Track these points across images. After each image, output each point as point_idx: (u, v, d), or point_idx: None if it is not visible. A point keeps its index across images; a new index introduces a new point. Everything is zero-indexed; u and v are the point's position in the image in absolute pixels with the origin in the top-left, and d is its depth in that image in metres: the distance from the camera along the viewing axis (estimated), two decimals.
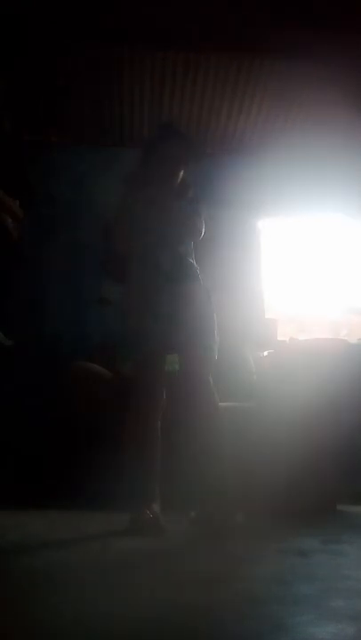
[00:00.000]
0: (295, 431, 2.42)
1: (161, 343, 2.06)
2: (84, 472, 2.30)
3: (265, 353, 3.24)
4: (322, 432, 2.47)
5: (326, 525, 2.15)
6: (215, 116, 3.61)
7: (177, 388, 2.09)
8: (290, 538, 1.86)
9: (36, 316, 3.50)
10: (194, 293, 2.11)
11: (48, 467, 2.50)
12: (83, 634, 1.00)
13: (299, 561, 1.56)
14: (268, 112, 3.59)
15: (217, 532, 1.85)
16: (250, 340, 3.33)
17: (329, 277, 4.15)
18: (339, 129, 3.46)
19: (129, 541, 1.78)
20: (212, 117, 3.63)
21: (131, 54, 3.14)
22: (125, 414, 2.07)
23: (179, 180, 2.22)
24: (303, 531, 2.01)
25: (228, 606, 1.15)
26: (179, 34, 2.94)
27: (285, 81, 3.31)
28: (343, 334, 3.74)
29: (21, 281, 3.50)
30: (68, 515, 2.17)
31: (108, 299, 3.49)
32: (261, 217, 3.95)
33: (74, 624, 1.04)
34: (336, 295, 4.11)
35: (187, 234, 2.19)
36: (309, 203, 3.83)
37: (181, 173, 2.23)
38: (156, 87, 3.40)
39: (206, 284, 2.17)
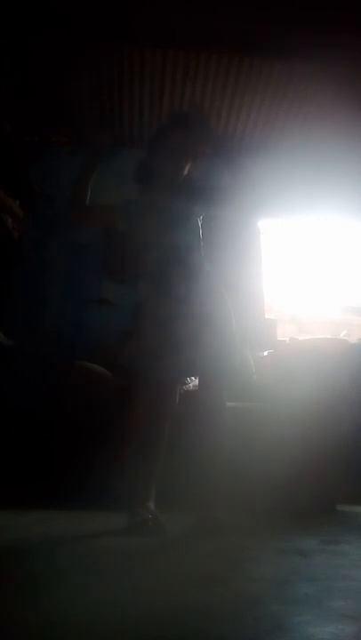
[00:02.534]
0: (295, 431, 2.42)
1: (180, 371, 2.04)
2: (84, 472, 2.30)
3: (265, 353, 3.24)
4: (322, 432, 2.47)
5: (326, 525, 2.15)
6: (215, 116, 3.61)
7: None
8: (290, 538, 1.85)
9: (36, 315, 3.50)
10: (210, 311, 2.03)
11: (48, 466, 2.50)
12: (83, 634, 1.00)
13: (299, 561, 1.56)
14: (268, 112, 3.59)
15: (217, 532, 1.85)
16: (250, 339, 3.33)
17: (329, 278, 4.16)
18: (339, 129, 3.46)
19: (129, 541, 1.78)
20: (212, 117, 3.63)
21: (131, 54, 3.15)
22: (128, 413, 2.06)
23: (183, 172, 2.16)
24: (303, 531, 2.01)
25: (228, 606, 1.15)
26: (179, 33, 2.94)
27: (285, 81, 3.31)
28: (343, 334, 3.75)
29: (21, 281, 3.50)
30: (68, 515, 2.17)
31: (108, 299, 3.49)
32: (262, 217, 3.95)
33: (74, 624, 1.04)
34: (336, 295, 4.11)
35: (195, 240, 2.12)
36: (310, 203, 3.83)
37: (187, 167, 2.16)
38: (156, 87, 3.40)
39: (222, 290, 2.10)
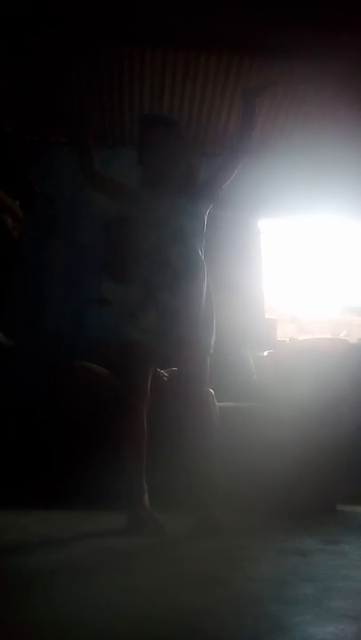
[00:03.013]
0: (295, 431, 2.42)
1: (161, 338, 2.04)
2: (83, 472, 2.30)
3: (265, 353, 3.24)
4: (322, 432, 2.47)
5: (326, 525, 2.15)
6: (215, 115, 3.61)
7: (173, 386, 2.09)
8: (290, 538, 1.85)
9: (36, 315, 3.50)
10: (199, 290, 2.09)
11: (48, 466, 2.50)
12: (83, 634, 1.00)
13: (299, 561, 1.56)
14: (268, 112, 3.59)
15: (217, 532, 1.85)
16: (250, 339, 3.33)
17: (329, 278, 4.16)
18: (339, 129, 3.46)
19: (129, 541, 1.78)
20: (212, 117, 3.63)
21: (131, 54, 3.14)
22: (126, 414, 2.07)
23: (178, 168, 2.19)
24: (303, 531, 2.01)
25: (228, 606, 1.15)
26: (179, 33, 2.94)
27: (285, 81, 3.31)
28: (343, 334, 3.74)
29: (21, 281, 3.50)
30: (68, 515, 2.17)
31: (108, 299, 3.49)
32: (262, 217, 3.95)
33: (74, 624, 1.04)
34: (336, 295, 4.11)
35: (198, 227, 2.16)
36: (310, 203, 3.82)
37: (180, 162, 2.20)
38: (156, 87, 3.40)
39: (209, 281, 2.15)
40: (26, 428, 2.80)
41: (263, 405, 2.62)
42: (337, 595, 1.23)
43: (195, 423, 2.03)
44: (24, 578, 1.35)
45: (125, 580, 1.34)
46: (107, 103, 3.55)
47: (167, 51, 3.12)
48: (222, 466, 2.04)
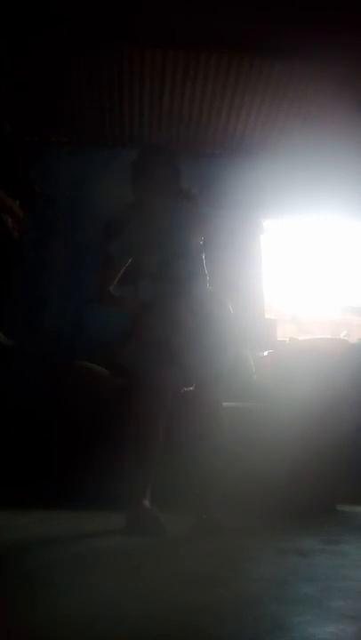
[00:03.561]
0: (295, 431, 2.42)
1: (181, 382, 2.06)
2: (83, 472, 2.30)
3: (265, 353, 3.24)
4: (322, 432, 2.47)
5: (326, 525, 2.15)
6: (215, 115, 3.61)
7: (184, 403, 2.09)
8: (290, 538, 1.85)
9: (36, 315, 3.50)
10: (216, 341, 2.08)
11: (48, 466, 2.50)
12: (83, 634, 1.00)
13: (299, 561, 1.56)
14: (269, 112, 3.59)
15: (217, 532, 1.85)
16: (250, 339, 3.33)
17: (329, 278, 4.16)
18: (339, 129, 3.46)
19: (129, 541, 1.78)
20: (212, 117, 3.63)
21: (131, 54, 3.14)
22: (127, 413, 2.06)
23: (175, 197, 2.21)
24: (303, 531, 2.01)
25: (228, 606, 1.15)
26: (179, 33, 2.94)
27: (285, 81, 3.31)
28: (343, 334, 3.74)
29: (21, 281, 3.50)
30: (68, 515, 2.17)
31: None
32: (262, 217, 3.95)
33: (74, 624, 1.04)
34: (336, 295, 4.11)
35: (198, 269, 2.15)
36: (310, 203, 3.83)
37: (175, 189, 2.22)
38: (156, 87, 3.40)
39: (227, 309, 2.15)
40: (26, 428, 2.79)
41: (263, 405, 2.62)
42: (337, 595, 1.23)
43: (205, 423, 2.03)
44: (24, 578, 1.35)
45: (125, 580, 1.34)
46: (107, 103, 3.55)
47: (167, 51, 3.12)
48: (223, 466, 2.04)
